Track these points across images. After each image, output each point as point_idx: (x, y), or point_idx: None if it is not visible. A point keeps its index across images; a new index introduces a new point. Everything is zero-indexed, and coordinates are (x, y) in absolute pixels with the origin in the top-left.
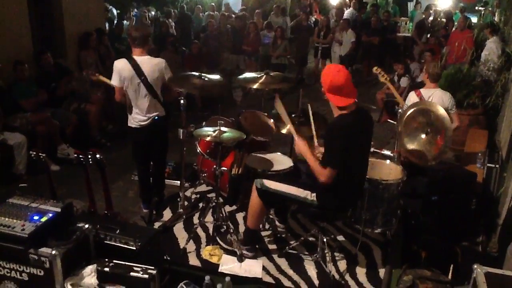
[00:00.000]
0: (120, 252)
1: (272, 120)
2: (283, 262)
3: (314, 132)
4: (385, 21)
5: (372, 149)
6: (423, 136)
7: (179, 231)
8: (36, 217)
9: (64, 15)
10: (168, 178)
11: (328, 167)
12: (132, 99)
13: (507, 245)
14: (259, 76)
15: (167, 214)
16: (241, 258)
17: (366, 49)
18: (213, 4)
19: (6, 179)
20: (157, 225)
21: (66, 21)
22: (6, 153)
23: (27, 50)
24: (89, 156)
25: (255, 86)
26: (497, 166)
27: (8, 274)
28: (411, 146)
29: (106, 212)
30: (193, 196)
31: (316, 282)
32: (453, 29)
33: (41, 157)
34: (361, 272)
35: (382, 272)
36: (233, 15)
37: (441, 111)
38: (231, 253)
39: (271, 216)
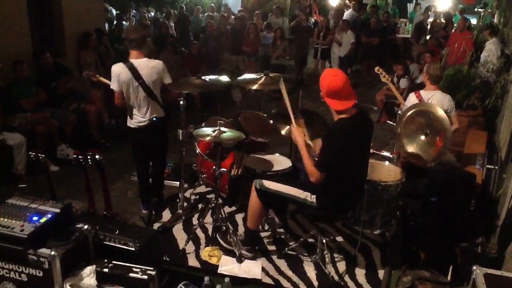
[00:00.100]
0: (119, 252)
1: (271, 121)
2: (282, 263)
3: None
4: (384, 22)
5: (371, 150)
6: (423, 137)
7: (178, 232)
8: (35, 218)
9: (63, 15)
10: (168, 179)
11: (318, 170)
12: (131, 101)
13: (506, 246)
14: (258, 77)
15: (167, 214)
16: (240, 259)
17: (366, 50)
18: (213, 5)
19: (5, 179)
20: (156, 225)
21: (66, 21)
22: (5, 153)
23: (27, 50)
24: (89, 157)
25: (255, 87)
26: (496, 167)
27: (7, 275)
28: (410, 147)
29: (105, 212)
30: (193, 197)
31: (316, 283)
32: (453, 30)
33: (41, 157)
34: (360, 273)
35: (381, 273)
36: (233, 16)
37: (440, 112)
38: (231, 253)
39: (270, 215)
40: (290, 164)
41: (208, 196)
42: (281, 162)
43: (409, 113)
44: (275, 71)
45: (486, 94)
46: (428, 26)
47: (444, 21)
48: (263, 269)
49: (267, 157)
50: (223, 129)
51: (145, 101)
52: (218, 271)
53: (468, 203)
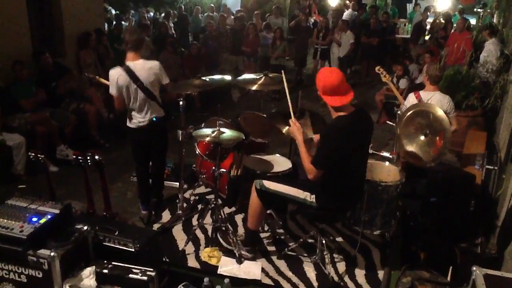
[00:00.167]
0: (118, 253)
1: (271, 122)
2: (282, 264)
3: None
4: (384, 22)
5: (371, 151)
6: (422, 137)
7: (178, 232)
8: (34, 219)
9: (63, 15)
10: (167, 179)
11: (315, 167)
12: (131, 103)
13: (506, 246)
14: (258, 77)
15: (166, 215)
16: (240, 260)
17: (365, 50)
18: (212, 5)
19: (4, 179)
20: (156, 226)
21: (66, 21)
22: (5, 154)
23: (27, 50)
24: (88, 157)
25: (254, 87)
26: (495, 167)
27: (7, 276)
28: (410, 147)
29: (104, 213)
30: (192, 198)
31: (315, 283)
32: (452, 30)
33: (40, 158)
34: (360, 273)
35: (381, 273)
36: (232, 16)
37: (440, 113)
38: (230, 254)
39: (269, 218)
40: (290, 166)
41: (207, 197)
42: (281, 163)
43: (408, 114)
44: (274, 71)
45: (485, 94)
46: (428, 26)
47: (443, 21)
48: (263, 270)
49: (267, 157)
50: (222, 129)
51: (144, 102)
52: (218, 272)
53: (467, 204)
